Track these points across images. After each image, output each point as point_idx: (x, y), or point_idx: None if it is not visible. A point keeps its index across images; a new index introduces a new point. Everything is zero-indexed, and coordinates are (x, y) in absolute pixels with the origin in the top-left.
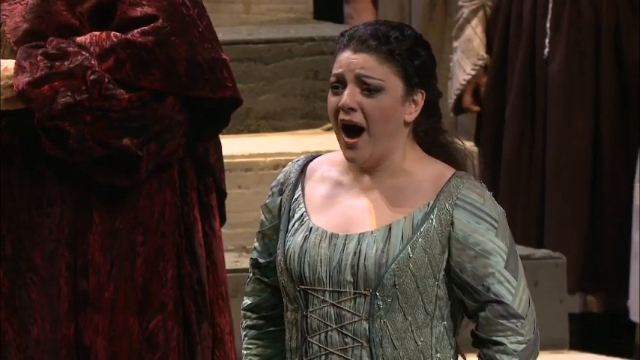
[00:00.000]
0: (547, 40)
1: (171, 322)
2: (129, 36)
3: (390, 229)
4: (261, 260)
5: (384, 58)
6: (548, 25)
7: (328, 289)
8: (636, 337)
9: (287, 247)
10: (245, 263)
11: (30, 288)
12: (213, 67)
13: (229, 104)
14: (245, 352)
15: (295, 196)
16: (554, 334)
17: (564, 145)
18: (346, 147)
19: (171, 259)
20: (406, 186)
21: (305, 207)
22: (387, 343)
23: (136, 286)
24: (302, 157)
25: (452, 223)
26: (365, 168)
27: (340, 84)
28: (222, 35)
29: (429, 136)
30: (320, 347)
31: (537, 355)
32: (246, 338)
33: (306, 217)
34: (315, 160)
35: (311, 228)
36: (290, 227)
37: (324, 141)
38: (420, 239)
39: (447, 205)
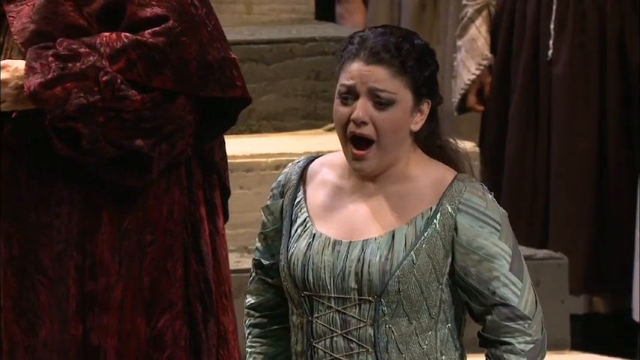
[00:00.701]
0: (551, 42)
1: (180, 322)
2: (140, 37)
3: (393, 235)
4: (263, 261)
5: (396, 72)
6: (552, 26)
7: (333, 295)
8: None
9: (290, 253)
10: (247, 263)
11: (38, 289)
12: (223, 67)
13: (238, 103)
14: (249, 350)
15: (297, 200)
16: (556, 334)
17: (569, 147)
18: (354, 158)
19: (180, 258)
20: (409, 191)
21: (307, 212)
22: (392, 348)
23: (144, 285)
24: (302, 158)
25: (455, 228)
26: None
27: (351, 95)
28: None
29: (429, 139)
30: (325, 352)
31: (545, 355)
32: (250, 336)
33: (309, 223)
34: (315, 162)
35: (314, 234)
36: (293, 233)
37: (326, 141)
38: (423, 245)
39: (449, 210)
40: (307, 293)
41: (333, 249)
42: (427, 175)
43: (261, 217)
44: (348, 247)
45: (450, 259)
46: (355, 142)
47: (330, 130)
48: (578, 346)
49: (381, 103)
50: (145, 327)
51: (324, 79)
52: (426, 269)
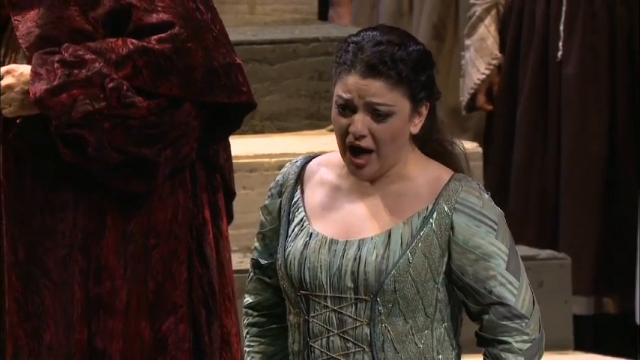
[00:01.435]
0: (561, 43)
1: (184, 325)
2: (146, 43)
3: (389, 234)
4: (262, 261)
5: (393, 83)
6: (561, 27)
7: (329, 294)
8: None
9: (287, 252)
10: (249, 264)
11: (43, 293)
12: (228, 72)
13: (243, 108)
14: (247, 349)
15: (294, 199)
16: (559, 334)
17: (579, 148)
18: (352, 165)
19: (185, 261)
20: (406, 191)
21: (305, 211)
22: (388, 347)
23: (149, 289)
24: (300, 157)
25: (452, 227)
26: None
27: (348, 108)
28: None
29: (426, 135)
30: (322, 352)
31: (542, 354)
32: (248, 336)
33: (306, 222)
34: (313, 162)
35: (311, 233)
36: (290, 232)
37: (329, 141)
38: (419, 244)
39: (446, 209)
40: (304, 292)
41: (330, 248)
42: (424, 175)
43: (259, 217)
44: (345, 246)
45: (446, 259)
46: (354, 152)
47: (332, 130)
48: (581, 346)
49: (380, 115)
50: (149, 330)
51: (328, 80)
52: (422, 268)
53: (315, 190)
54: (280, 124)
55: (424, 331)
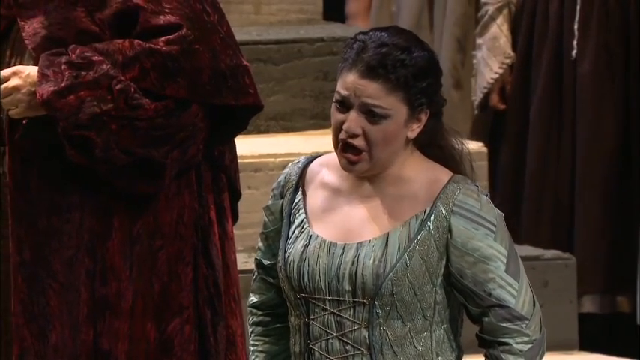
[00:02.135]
0: (575, 42)
1: (189, 326)
2: (153, 45)
3: (387, 237)
4: (265, 261)
5: (391, 88)
6: (576, 26)
7: (328, 297)
8: None
9: (287, 255)
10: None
11: (49, 294)
12: (235, 74)
13: (250, 110)
14: (252, 348)
15: (295, 201)
16: (564, 334)
17: (595, 146)
18: (344, 162)
19: (190, 262)
20: (404, 194)
21: (305, 213)
22: (387, 350)
23: (155, 290)
24: (302, 158)
25: (449, 230)
26: (364, 176)
27: (345, 105)
28: None
29: (429, 140)
30: (322, 354)
31: (544, 355)
32: (252, 334)
33: (306, 225)
34: (314, 162)
35: (310, 236)
36: (290, 234)
37: None
38: (417, 247)
39: (443, 212)
40: (303, 295)
41: (329, 251)
42: (422, 177)
43: (262, 217)
44: (343, 250)
45: (444, 261)
46: (346, 148)
47: None
48: (587, 346)
49: (374, 116)
50: (154, 331)
51: (332, 80)
52: (420, 271)
53: (316, 191)
54: (285, 124)
55: (423, 333)
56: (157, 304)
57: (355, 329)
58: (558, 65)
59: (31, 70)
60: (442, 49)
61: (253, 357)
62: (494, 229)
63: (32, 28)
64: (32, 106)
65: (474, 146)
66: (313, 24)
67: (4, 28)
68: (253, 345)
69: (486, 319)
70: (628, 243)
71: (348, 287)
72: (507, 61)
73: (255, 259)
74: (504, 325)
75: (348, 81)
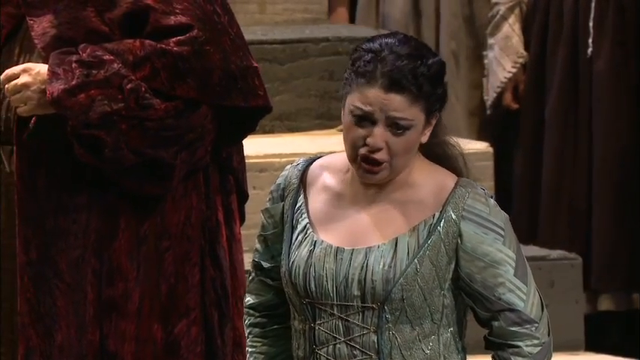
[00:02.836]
0: (590, 40)
1: (196, 328)
2: (164, 45)
3: (396, 243)
4: (264, 264)
5: (413, 98)
6: (591, 24)
7: (336, 302)
8: None
9: (291, 261)
10: None
11: (55, 294)
12: (245, 76)
13: (259, 111)
14: (249, 349)
15: (298, 205)
16: (570, 335)
17: (612, 144)
18: (364, 172)
19: (197, 264)
20: (411, 198)
21: (308, 218)
22: (396, 354)
23: (162, 291)
24: (301, 160)
25: (459, 235)
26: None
27: (367, 120)
28: None
29: (430, 140)
30: (328, 359)
31: (551, 357)
32: (250, 336)
33: (310, 230)
34: (315, 164)
35: (315, 242)
36: (294, 239)
37: (339, 142)
38: (427, 252)
39: (453, 217)
40: (309, 300)
41: (336, 257)
42: (429, 182)
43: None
44: (351, 255)
45: (453, 265)
46: (367, 161)
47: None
48: (593, 346)
49: (399, 129)
50: (161, 333)
51: (338, 79)
52: (430, 276)
53: (318, 195)
54: (290, 123)
55: (431, 336)
56: (163, 305)
57: (364, 334)
58: (574, 64)
59: (41, 68)
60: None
61: (252, 358)
62: (502, 233)
63: (41, 27)
64: (41, 104)
65: (480, 146)
66: (319, 24)
67: (13, 27)
68: (252, 346)
69: (496, 323)
70: None
71: (356, 292)
72: (520, 60)
73: (254, 260)
74: (514, 329)
75: (371, 96)
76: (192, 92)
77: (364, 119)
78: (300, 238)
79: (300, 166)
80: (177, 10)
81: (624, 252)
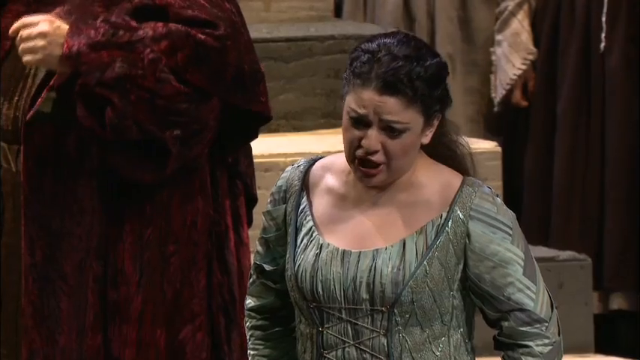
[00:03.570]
0: (603, 35)
1: (202, 333)
2: (189, 29)
3: (404, 244)
4: (265, 267)
5: (409, 101)
6: (604, 19)
7: (344, 306)
8: None
9: (297, 265)
10: None
11: (59, 297)
12: (253, 79)
13: (259, 119)
14: (251, 352)
15: (301, 207)
16: (579, 337)
17: (626, 141)
18: (361, 175)
19: (203, 269)
20: (416, 199)
21: (313, 220)
22: (406, 357)
23: (166, 296)
24: (302, 160)
25: (468, 235)
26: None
27: (362, 122)
28: None
29: (435, 140)
30: None
31: (562, 357)
32: (252, 339)
33: (315, 232)
34: (316, 166)
35: (321, 245)
36: (299, 242)
37: None
38: (436, 253)
39: (461, 217)
40: (316, 305)
41: (342, 260)
42: (434, 182)
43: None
44: (358, 258)
45: (461, 266)
46: (364, 164)
47: None
48: (603, 348)
49: (394, 131)
50: (164, 338)
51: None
52: (439, 278)
53: (322, 197)
54: (296, 122)
55: (441, 338)
56: (168, 310)
57: (373, 337)
58: (586, 59)
59: (63, 24)
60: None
61: None
62: (510, 231)
63: None
64: (50, 57)
65: (488, 145)
66: (324, 21)
67: None
68: (253, 349)
69: (506, 323)
70: None
71: (365, 296)
72: (530, 57)
73: (255, 263)
74: (524, 329)
75: (365, 98)
76: (203, 82)
77: (359, 121)
78: (305, 241)
79: (301, 167)
80: (197, 6)
81: (637, 251)
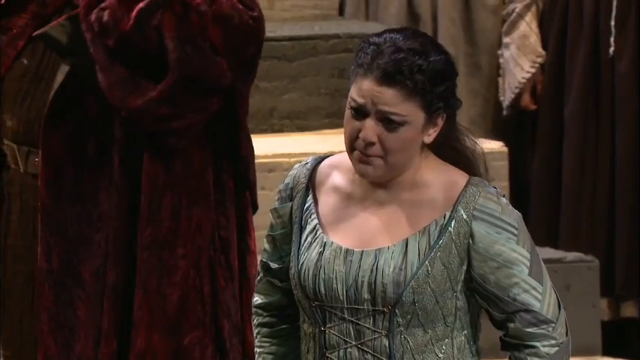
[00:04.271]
0: (612, 39)
1: (207, 339)
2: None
3: (406, 244)
4: (272, 264)
5: (408, 94)
6: (612, 23)
7: (346, 306)
8: None
9: (301, 263)
10: None
11: (76, 304)
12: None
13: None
14: (258, 350)
15: (307, 205)
16: (587, 339)
17: (635, 149)
18: (358, 162)
19: (207, 275)
20: (420, 199)
21: (318, 218)
22: (408, 358)
23: (173, 302)
24: (310, 159)
25: (471, 235)
26: (378, 181)
27: (361, 113)
28: None
29: (442, 139)
30: None
31: (569, 358)
32: (258, 336)
33: (320, 231)
34: (324, 164)
35: (325, 243)
36: (303, 240)
37: None
38: (438, 253)
39: (464, 217)
40: (319, 304)
41: (345, 258)
42: (438, 181)
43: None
44: (361, 257)
45: (464, 267)
46: (361, 155)
47: None
48: (610, 351)
49: (391, 123)
50: (170, 344)
51: (348, 77)
52: (441, 278)
53: (328, 195)
54: (300, 122)
55: (444, 340)
56: (174, 316)
57: (375, 338)
58: (595, 63)
59: None
60: None
61: (260, 359)
62: (515, 232)
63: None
64: None
65: (494, 145)
66: (328, 20)
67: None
68: (260, 346)
69: (512, 324)
70: None
71: (366, 296)
72: (539, 60)
73: (261, 261)
74: (530, 330)
75: (364, 88)
76: (219, 38)
77: (359, 112)
78: (309, 239)
79: (309, 165)
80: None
81: None
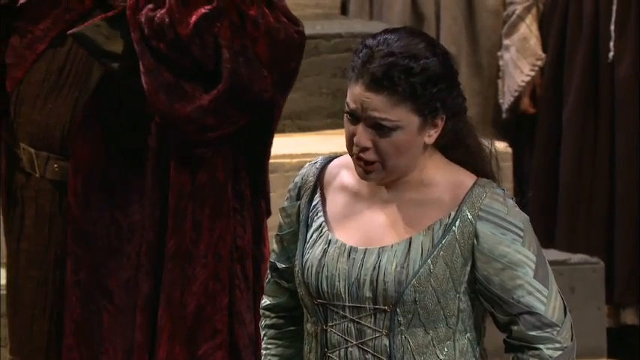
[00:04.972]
0: (612, 43)
1: (223, 351)
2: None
3: (409, 243)
4: (279, 265)
5: (398, 100)
6: (612, 27)
7: (347, 304)
8: None
9: (305, 260)
10: None
11: (103, 316)
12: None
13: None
14: (264, 351)
15: (314, 203)
16: (592, 342)
17: (635, 153)
18: (358, 166)
19: (226, 285)
20: (425, 198)
21: (324, 216)
22: (408, 359)
23: (190, 312)
24: (319, 158)
25: (476, 235)
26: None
27: (354, 117)
28: None
29: (451, 138)
30: None
31: None
32: (265, 337)
33: (325, 229)
34: (333, 163)
35: (330, 241)
36: (308, 238)
37: None
38: (441, 252)
39: (469, 217)
40: (321, 301)
41: (349, 256)
42: (445, 181)
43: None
44: (364, 255)
45: (468, 268)
46: (358, 159)
47: None
48: (616, 355)
49: (383, 129)
50: (185, 355)
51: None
52: (444, 278)
53: (335, 194)
54: (301, 123)
55: (446, 342)
56: (190, 326)
57: (376, 337)
58: (594, 68)
59: None
60: None
61: None
62: (521, 233)
63: None
64: None
65: (499, 146)
66: (331, 19)
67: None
68: (266, 348)
69: (515, 327)
70: None
71: (368, 294)
72: (539, 62)
73: (270, 261)
74: (534, 333)
75: (355, 93)
76: (265, 50)
77: (353, 116)
78: (314, 236)
79: (318, 165)
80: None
81: None
